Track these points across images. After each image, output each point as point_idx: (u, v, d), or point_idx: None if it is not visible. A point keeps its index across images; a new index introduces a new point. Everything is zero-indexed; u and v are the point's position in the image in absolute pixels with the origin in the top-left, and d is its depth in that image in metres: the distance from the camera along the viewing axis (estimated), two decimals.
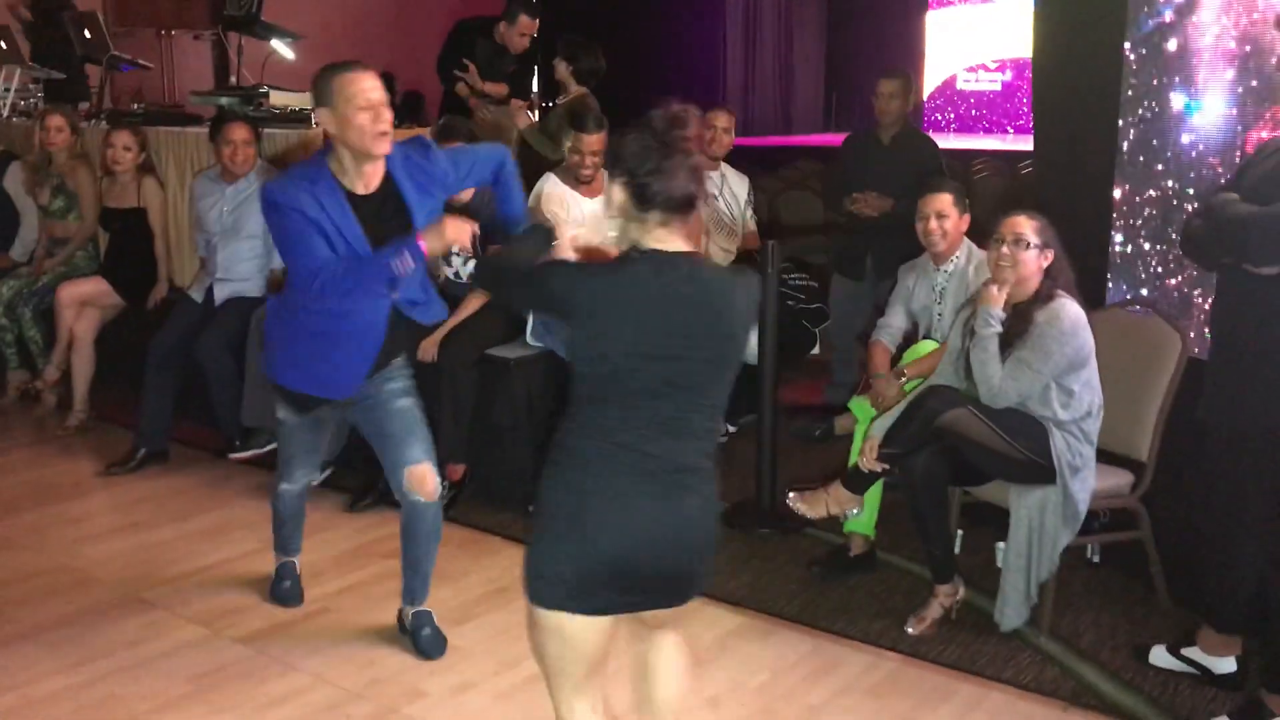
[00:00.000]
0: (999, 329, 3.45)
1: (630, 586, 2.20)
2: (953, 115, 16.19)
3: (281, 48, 5.91)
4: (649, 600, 2.28)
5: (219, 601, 3.75)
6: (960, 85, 16.09)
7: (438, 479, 3.32)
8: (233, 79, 5.94)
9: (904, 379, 4.03)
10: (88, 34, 6.31)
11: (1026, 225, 3.44)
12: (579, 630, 2.21)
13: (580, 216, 4.50)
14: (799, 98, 16.37)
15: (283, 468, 3.56)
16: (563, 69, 5.57)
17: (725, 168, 5.39)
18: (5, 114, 6.54)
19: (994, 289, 3.49)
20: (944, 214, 4.12)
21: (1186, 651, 3.29)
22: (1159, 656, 3.33)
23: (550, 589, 2.19)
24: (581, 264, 2.41)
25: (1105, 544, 3.93)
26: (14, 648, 3.43)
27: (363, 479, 4.59)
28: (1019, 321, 3.46)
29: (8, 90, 6.53)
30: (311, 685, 3.25)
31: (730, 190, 5.36)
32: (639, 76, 12.87)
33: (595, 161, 4.51)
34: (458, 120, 4.87)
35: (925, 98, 15.90)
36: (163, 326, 5.09)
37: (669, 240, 2.19)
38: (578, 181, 4.54)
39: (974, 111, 16.14)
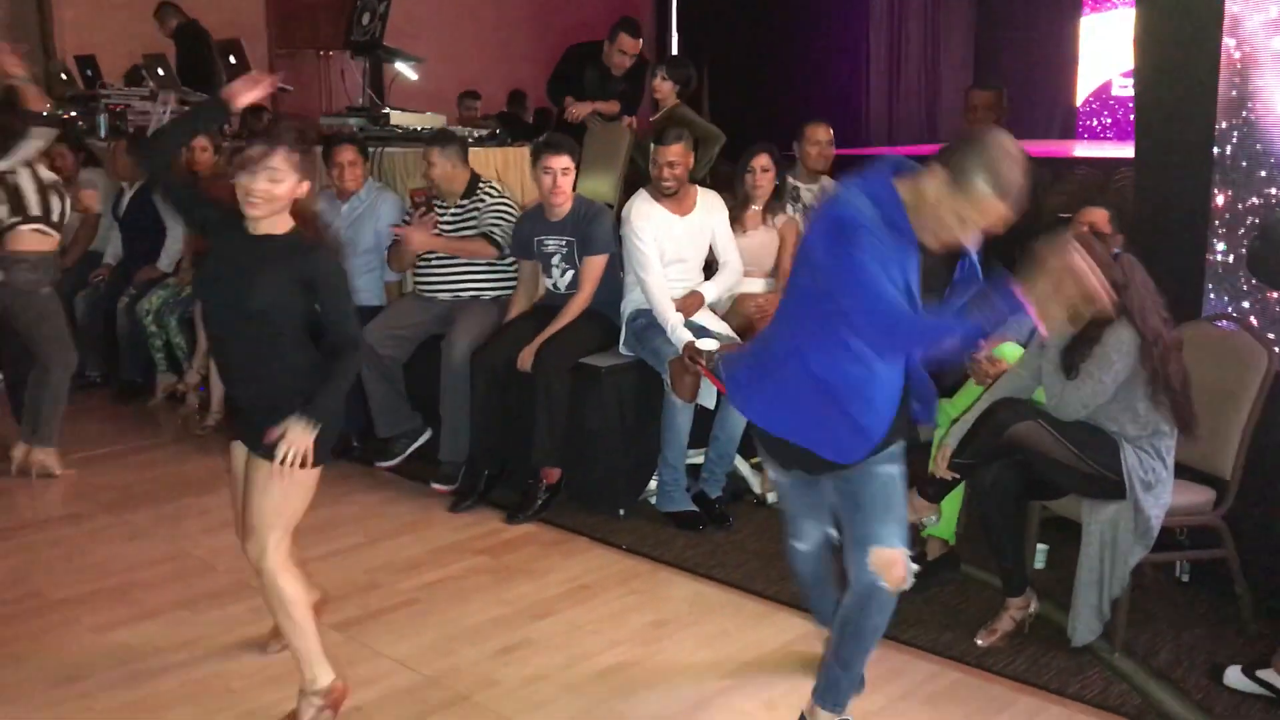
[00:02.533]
0: (1066, 341, 3.43)
1: None
2: (1110, 120, 15.68)
3: (405, 70, 6.22)
4: None
5: (320, 590, 4.00)
6: (1116, 91, 15.57)
7: (910, 567, 2.82)
8: (359, 100, 6.28)
9: (994, 363, 3.95)
10: (232, 59, 6.76)
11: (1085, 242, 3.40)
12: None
13: (666, 233, 4.59)
14: (945, 105, 16.09)
15: (787, 523, 3.14)
16: (658, 82, 5.72)
17: (825, 181, 5.44)
18: None
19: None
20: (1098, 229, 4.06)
21: (1261, 673, 3.22)
22: (1233, 678, 3.27)
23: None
24: None
25: (1195, 563, 3.85)
26: (138, 626, 3.75)
27: (469, 481, 4.82)
28: (1088, 336, 3.42)
29: (164, 113, 7.04)
30: (393, 670, 3.46)
31: None
32: (780, 85, 12.96)
33: (674, 174, 4.56)
34: (562, 136, 5.06)
35: (1079, 103, 15.47)
36: None
37: None
38: (662, 195, 4.64)
39: (1132, 116, 15.58)
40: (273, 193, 2.88)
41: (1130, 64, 15.88)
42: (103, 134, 7.22)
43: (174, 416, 6.11)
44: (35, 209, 4.99)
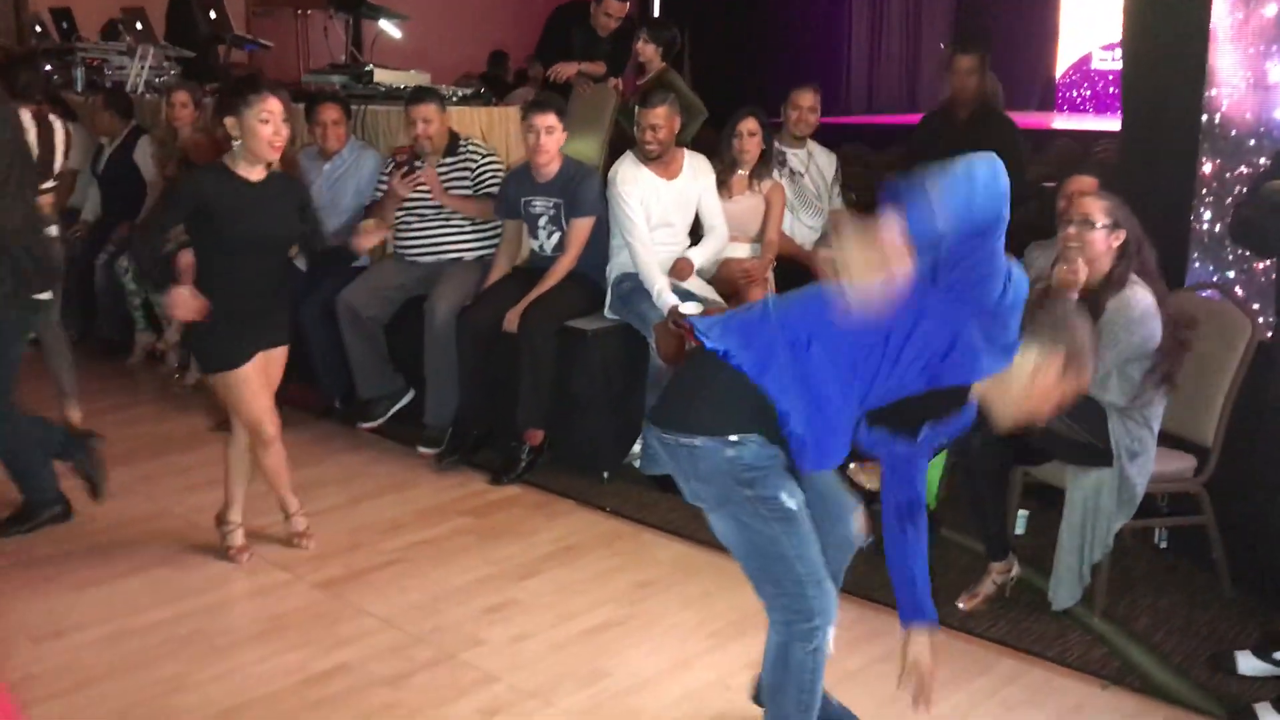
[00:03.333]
0: None
1: None
2: (1089, 92, 15.70)
3: (389, 27, 6.15)
4: None
5: (303, 549, 4.00)
6: (1095, 64, 15.59)
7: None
8: (341, 58, 6.21)
9: None
10: (213, 14, 6.67)
11: (1094, 205, 3.42)
12: None
13: (653, 197, 4.58)
14: (925, 74, 16.08)
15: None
16: (640, 45, 5.69)
17: (812, 144, 5.43)
18: (140, 90, 6.96)
19: (1063, 270, 3.48)
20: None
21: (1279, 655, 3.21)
22: (1248, 665, 3.18)
23: None
24: None
25: (1173, 530, 3.90)
26: (118, 584, 3.74)
27: (455, 441, 4.82)
28: (1089, 306, 3.43)
29: (143, 68, 6.94)
30: (379, 629, 3.46)
31: (817, 167, 5.40)
32: (761, 51, 12.91)
33: (657, 137, 4.54)
34: (551, 95, 5.02)
35: (1059, 76, 15.49)
36: None
37: None
38: (648, 159, 4.61)
39: (1112, 89, 15.62)
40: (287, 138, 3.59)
41: (1111, 37, 15.94)
42: (79, 88, 7.12)
43: (153, 375, 6.06)
44: None
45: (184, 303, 3.55)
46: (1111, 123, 13.69)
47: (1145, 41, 4.25)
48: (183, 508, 4.35)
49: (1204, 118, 4.02)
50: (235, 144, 3.57)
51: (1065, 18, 15.42)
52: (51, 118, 5.10)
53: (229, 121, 3.55)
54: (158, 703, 3.05)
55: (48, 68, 7.55)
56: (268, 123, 3.48)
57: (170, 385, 5.85)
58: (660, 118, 4.52)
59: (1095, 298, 3.42)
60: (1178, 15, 4.09)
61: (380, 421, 5.13)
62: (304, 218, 3.77)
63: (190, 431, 5.27)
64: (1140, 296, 3.37)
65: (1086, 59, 15.64)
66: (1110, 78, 15.55)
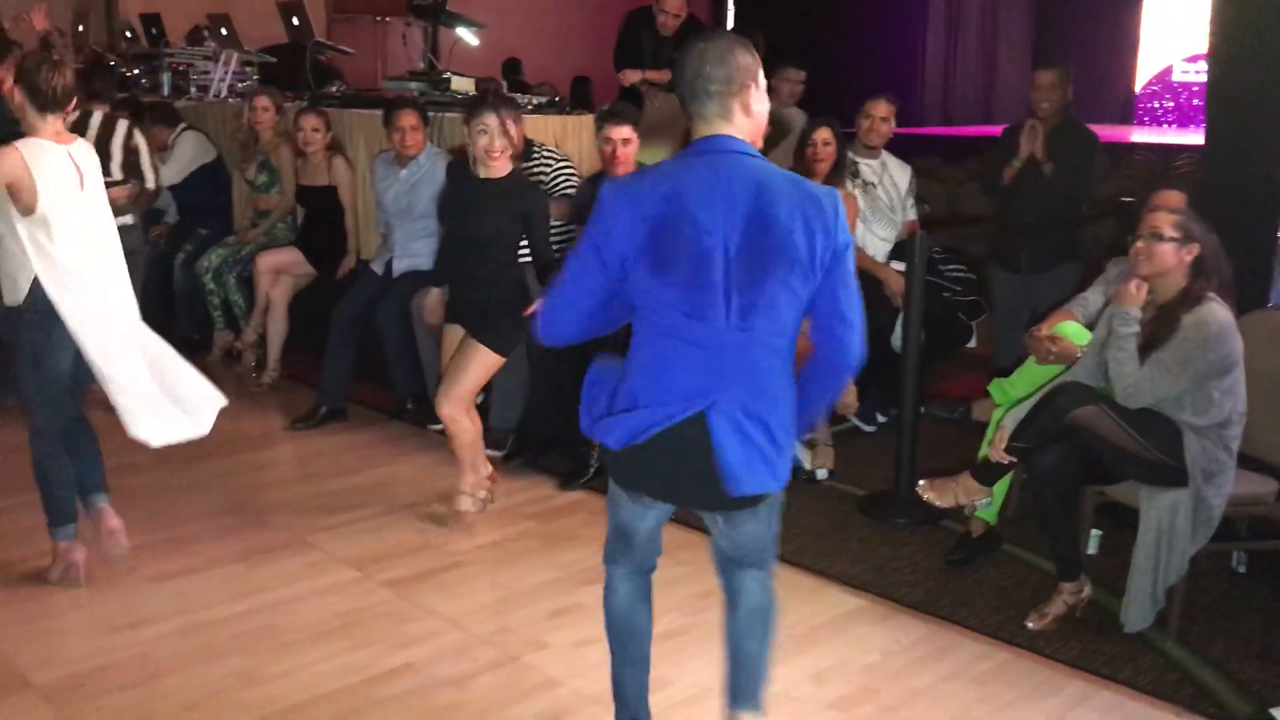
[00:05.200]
0: (1135, 328, 3.39)
1: None
2: (1172, 104, 15.40)
3: (467, 35, 6.22)
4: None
5: (373, 549, 4.05)
6: (1177, 76, 15.29)
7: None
8: (421, 65, 6.29)
9: (1054, 340, 3.86)
10: (295, 20, 6.80)
11: (1164, 218, 3.36)
12: None
13: None
14: (1002, 86, 15.87)
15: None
16: None
17: (886, 156, 5.39)
18: (223, 95, 7.11)
19: (1131, 286, 3.42)
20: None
21: None
22: None
23: None
24: None
25: (1253, 554, 3.81)
26: (192, 578, 3.82)
27: (520, 443, 4.85)
28: (1164, 322, 3.37)
29: (226, 73, 7.10)
30: (444, 629, 3.50)
31: (891, 178, 5.36)
32: (836, 62, 12.82)
33: None
34: (625, 105, 5.04)
35: (1139, 89, 15.21)
36: (346, 295, 5.48)
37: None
38: None
39: (1196, 101, 15.31)
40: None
41: (1194, 49, 15.60)
42: (166, 93, 7.29)
43: (230, 373, 6.18)
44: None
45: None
46: (1194, 136, 13.46)
47: (1232, 53, 4.17)
48: (257, 505, 4.44)
49: None
50: (469, 149, 4.12)
51: (1146, 29, 15.13)
52: (121, 121, 5.25)
53: (465, 132, 4.12)
54: (226, 696, 3.11)
55: (135, 72, 7.78)
56: (481, 135, 4.02)
57: (247, 384, 5.96)
58: None
59: (1170, 314, 3.36)
60: (1267, 25, 4.01)
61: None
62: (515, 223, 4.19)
63: (265, 430, 5.37)
64: (1217, 313, 3.30)
65: (1168, 71, 15.34)
66: (1194, 90, 15.25)
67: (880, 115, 5.28)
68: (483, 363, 4.11)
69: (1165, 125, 15.02)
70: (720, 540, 2.65)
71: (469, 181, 4.16)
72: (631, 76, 6.02)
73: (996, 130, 5.87)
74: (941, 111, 15.12)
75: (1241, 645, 3.44)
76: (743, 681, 2.68)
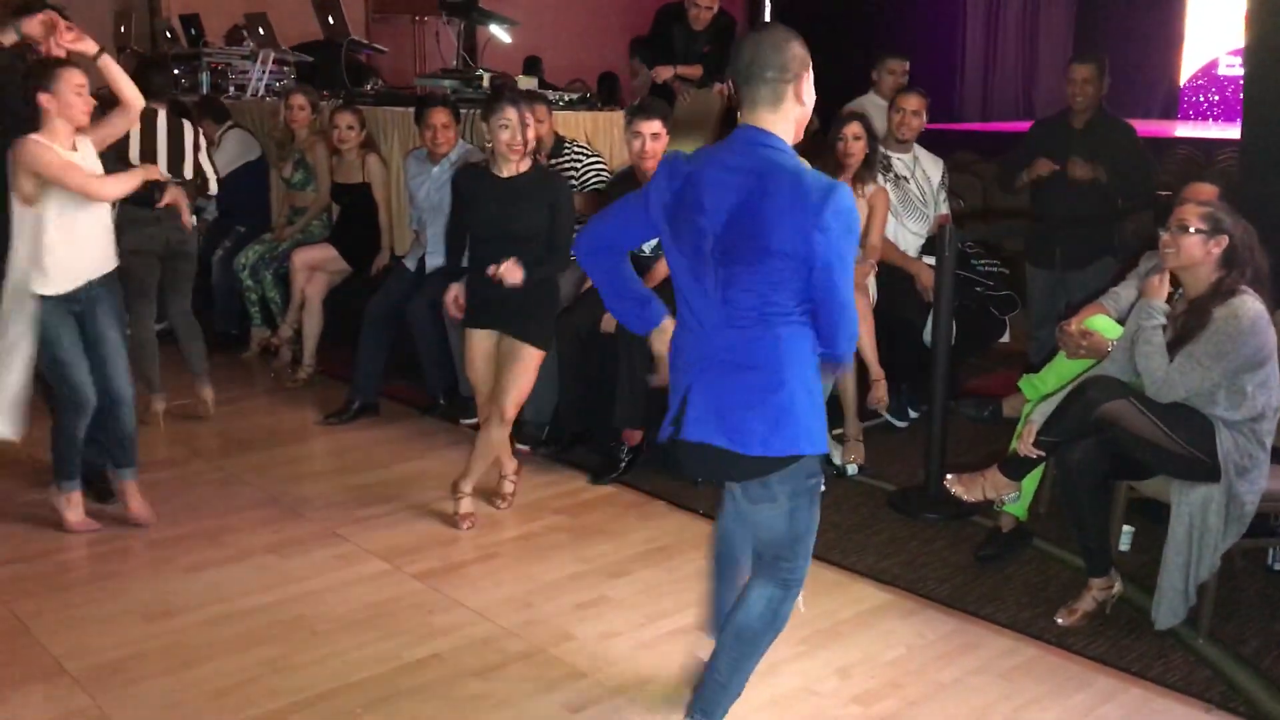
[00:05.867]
0: (1161, 321, 3.35)
1: None
2: (1217, 98, 15.18)
3: (499, 33, 6.25)
4: None
5: (403, 541, 4.09)
6: (1222, 70, 15.07)
7: None
8: (452, 62, 6.33)
9: (1085, 335, 3.86)
10: (331, 20, 6.86)
11: (1191, 210, 3.32)
12: None
13: None
14: (1043, 81, 15.69)
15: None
16: None
17: (918, 149, 5.36)
18: (260, 93, 7.20)
19: (1156, 279, 3.39)
20: None
21: None
22: None
23: None
24: None
25: None
26: (227, 568, 3.88)
27: (552, 436, 4.88)
28: (1196, 316, 3.33)
29: (263, 72, 7.18)
30: (472, 620, 3.53)
31: (923, 172, 5.33)
32: (874, 57, 12.72)
33: None
34: (655, 100, 5.04)
35: (1183, 82, 15.01)
36: (378, 291, 5.52)
37: None
38: None
39: (1242, 95, 15.06)
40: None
41: (1239, 42, 15.37)
42: (205, 92, 7.38)
43: (266, 369, 6.25)
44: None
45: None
46: (1239, 130, 13.29)
47: (1269, 44, 4.10)
48: (290, 498, 4.49)
49: None
50: (488, 146, 4.10)
51: (1191, 22, 14.93)
52: (185, 122, 5.33)
53: (482, 127, 4.13)
54: (257, 684, 3.15)
55: (175, 72, 7.88)
56: (504, 129, 3.97)
57: (283, 379, 6.03)
58: None
59: (1201, 307, 3.32)
60: None
61: (476, 421, 5.20)
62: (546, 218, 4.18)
63: (300, 424, 5.43)
64: (1250, 305, 3.26)
65: (1213, 65, 15.13)
66: (1240, 83, 14.97)
67: (912, 109, 5.25)
68: (532, 363, 4.13)
69: (1210, 119, 14.81)
70: (739, 523, 2.78)
71: (489, 180, 4.10)
72: (664, 73, 6.04)
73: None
74: (981, 107, 14.99)
75: (1275, 643, 3.40)
76: (705, 693, 2.75)
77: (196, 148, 5.37)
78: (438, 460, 4.93)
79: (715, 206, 2.44)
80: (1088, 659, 3.32)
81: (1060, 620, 3.52)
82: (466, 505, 4.24)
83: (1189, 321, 3.34)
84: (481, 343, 4.20)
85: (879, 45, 12.61)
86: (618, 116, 5.57)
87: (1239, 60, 14.88)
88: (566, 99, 5.73)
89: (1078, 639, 3.42)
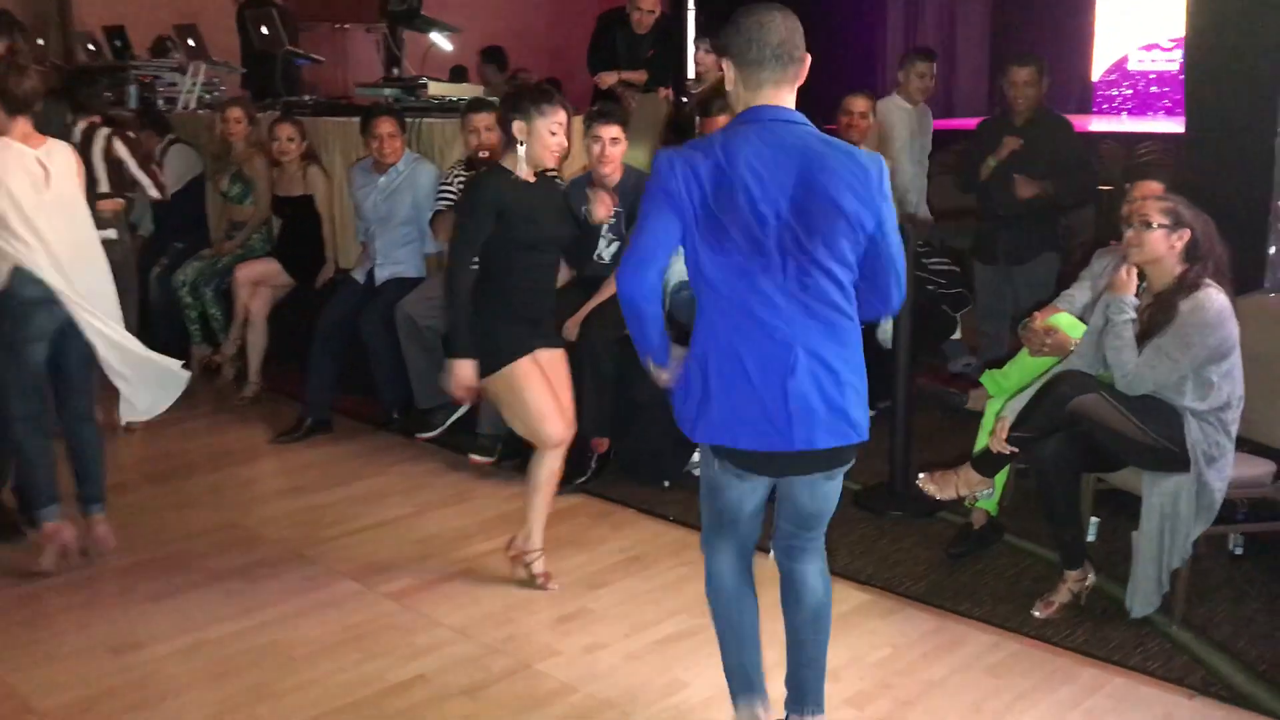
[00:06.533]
0: (1131, 315, 3.42)
1: None
2: (1130, 91, 15.58)
3: (440, 40, 6.18)
4: None
5: (372, 560, 4.02)
6: (1133, 65, 15.48)
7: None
8: (395, 71, 6.24)
9: (1049, 332, 3.89)
10: (265, 30, 6.72)
11: (1152, 206, 3.39)
12: None
13: None
14: (961, 80, 15.98)
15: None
16: (700, 55, 5.68)
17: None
18: (192, 106, 7.02)
19: (1124, 274, 3.45)
20: None
21: None
22: None
23: None
24: None
25: (1249, 536, 3.86)
26: (193, 595, 3.76)
27: (510, 448, 4.82)
28: (1162, 310, 3.39)
29: (194, 84, 7.01)
30: (453, 639, 3.47)
31: None
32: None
33: None
34: (615, 106, 5.03)
35: (1096, 78, 15.38)
36: (328, 305, 5.42)
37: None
38: None
39: (1153, 89, 15.51)
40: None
41: (1149, 38, 15.75)
42: (133, 105, 7.18)
43: (209, 388, 6.10)
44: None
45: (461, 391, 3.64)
46: (1152, 124, 13.65)
47: (1210, 37, 4.19)
48: (250, 520, 4.38)
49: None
50: (520, 148, 3.60)
51: (1101, 19, 15.32)
52: (100, 131, 5.17)
53: (517, 125, 3.58)
54: (242, 712, 3.07)
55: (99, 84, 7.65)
56: (555, 135, 3.59)
57: (229, 398, 5.88)
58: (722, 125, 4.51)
59: (1168, 301, 3.39)
60: (1249, 27, 4.02)
61: (439, 432, 5.15)
62: (575, 222, 3.90)
63: (249, 444, 5.31)
64: (1215, 298, 3.33)
65: (1124, 60, 15.53)
66: (1150, 78, 15.45)
67: (859, 111, 5.31)
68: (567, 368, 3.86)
69: (1123, 113, 15.19)
70: (790, 517, 2.68)
71: (524, 186, 3.63)
72: (608, 79, 6.02)
73: (958, 123, 5.93)
74: None
75: (1245, 626, 3.48)
76: (809, 679, 2.75)
77: (112, 160, 5.18)
78: (399, 477, 4.85)
79: (772, 192, 2.37)
80: (1069, 650, 3.37)
81: (1037, 613, 3.56)
82: (541, 563, 3.80)
83: (1156, 315, 3.41)
84: (535, 368, 3.68)
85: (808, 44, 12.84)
86: (573, 122, 5.52)
87: (1149, 55, 15.36)
88: None
89: (1057, 631, 3.47)
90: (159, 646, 3.42)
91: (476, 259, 3.62)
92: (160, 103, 7.25)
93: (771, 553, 2.82)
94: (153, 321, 6.36)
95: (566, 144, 3.68)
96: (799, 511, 2.65)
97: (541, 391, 3.65)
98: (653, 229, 2.47)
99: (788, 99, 2.47)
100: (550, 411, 3.65)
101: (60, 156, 3.83)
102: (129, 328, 4.18)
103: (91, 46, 8.31)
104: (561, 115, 3.61)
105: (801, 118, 2.47)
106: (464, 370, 3.57)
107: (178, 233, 6.38)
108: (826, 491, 2.61)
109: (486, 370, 3.61)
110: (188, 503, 4.57)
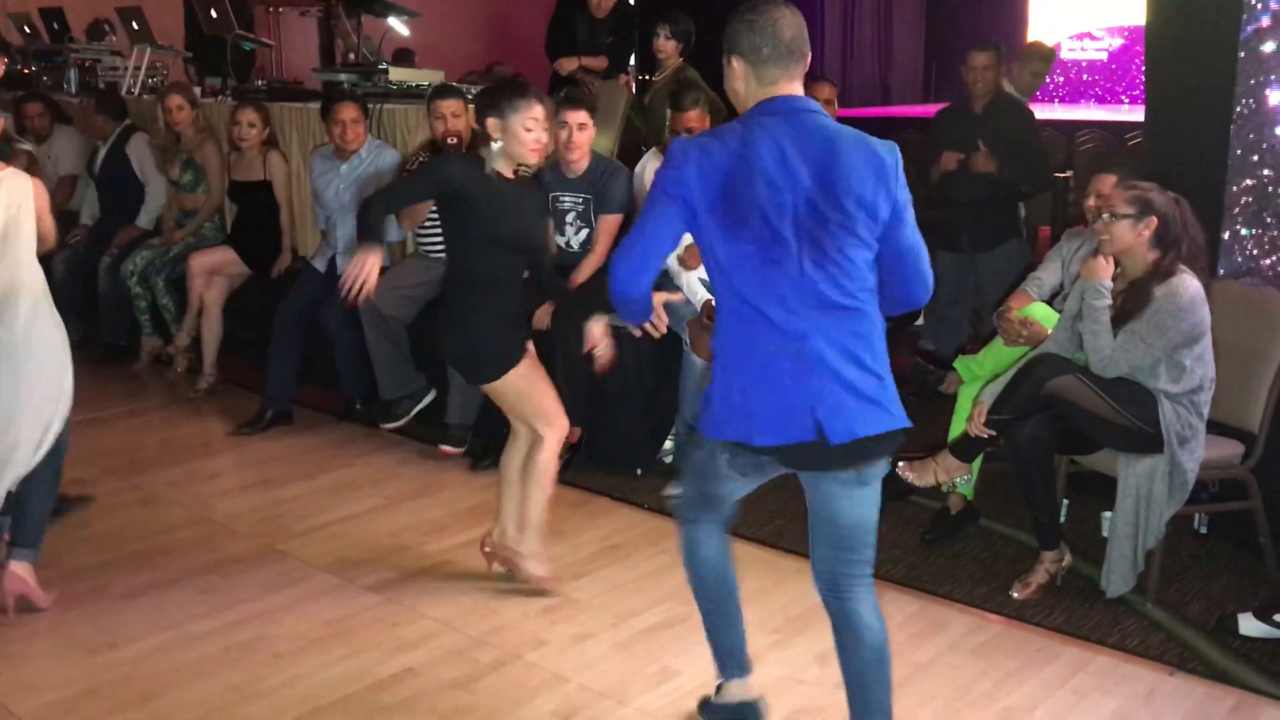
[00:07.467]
0: (1108, 300, 3.48)
1: None
2: (1062, 79, 15.86)
3: (398, 25, 6.09)
4: None
5: (348, 554, 3.96)
6: (1065, 54, 15.75)
7: None
8: (352, 56, 6.14)
9: (1025, 324, 3.94)
10: (214, 14, 6.57)
11: (1119, 196, 3.46)
12: None
13: None
14: (898, 68, 16.16)
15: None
16: (660, 42, 5.65)
17: None
18: (135, 92, 6.85)
19: (1101, 260, 3.52)
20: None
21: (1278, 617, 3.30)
22: (1249, 626, 3.33)
23: None
24: None
25: (1213, 515, 3.96)
26: (168, 591, 3.68)
27: (484, 441, 4.78)
28: (1137, 296, 3.46)
29: (138, 69, 6.83)
30: (439, 631, 3.44)
31: None
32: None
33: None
34: (579, 91, 5.00)
35: None
36: (288, 295, 5.32)
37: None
38: None
39: (1085, 76, 15.83)
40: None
41: (1080, 27, 16.04)
42: (73, 89, 6.99)
43: (160, 380, 5.97)
44: None
45: (367, 268, 3.34)
46: (1087, 112, 13.93)
47: (1170, 28, 4.24)
48: (219, 514, 4.30)
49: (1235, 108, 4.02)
50: (495, 144, 3.45)
51: (1034, 9, 15.57)
52: None
53: (490, 122, 3.43)
54: (230, 711, 3.01)
55: (34, 69, 7.45)
56: (531, 130, 3.42)
57: (183, 390, 5.76)
58: (694, 120, 4.53)
59: (1142, 287, 3.46)
60: (1206, 36, 4.06)
61: (404, 421, 5.09)
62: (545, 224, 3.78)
63: (209, 436, 5.20)
64: (1188, 284, 3.41)
65: (1056, 49, 15.78)
66: (1082, 66, 15.76)
67: (824, 98, 5.33)
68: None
69: (1056, 101, 15.47)
70: (827, 538, 2.58)
71: (504, 183, 3.48)
72: (568, 65, 5.97)
73: (892, 111, 5.99)
74: (840, 94, 15.31)
75: (1215, 603, 3.57)
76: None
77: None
78: (365, 467, 4.79)
79: (792, 181, 2.36)
80: (1049, 630, 3.44)
81: (1015, 594, 3.63)
82: (545, 566, 3.69)
83: (1130, 301, 3.48)
84: (534, 363, 3.64)
85: None
86: None
87: (1080, 44, 15.66)
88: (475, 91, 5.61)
89: (1036, 611, 3.54)
90: (136, 646, 3.34)
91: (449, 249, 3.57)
92: (101, 86, 7.06)
93: (817, 592, 2.67)
94: (101, 313, 6.23)
95: (546, 139, 3.52)
96: (837, 525, 2.52)
97: (545, 384, 3.64)
98: (653, 230, 2.45)
99: (799, 89, 2.48)
100: (556, 401, 3.65)
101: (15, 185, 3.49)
102: None
103: (27, 29, 8.06)
104: (538, 110, 3.44)
105: (818, 106, 2.48)
106: (372, 257, 3.35)
107: (120, 219, 6.21)
108: (863, 496, 2.50)
109: (494, 377, 3.53)
110: (153, 498, 4.47)
